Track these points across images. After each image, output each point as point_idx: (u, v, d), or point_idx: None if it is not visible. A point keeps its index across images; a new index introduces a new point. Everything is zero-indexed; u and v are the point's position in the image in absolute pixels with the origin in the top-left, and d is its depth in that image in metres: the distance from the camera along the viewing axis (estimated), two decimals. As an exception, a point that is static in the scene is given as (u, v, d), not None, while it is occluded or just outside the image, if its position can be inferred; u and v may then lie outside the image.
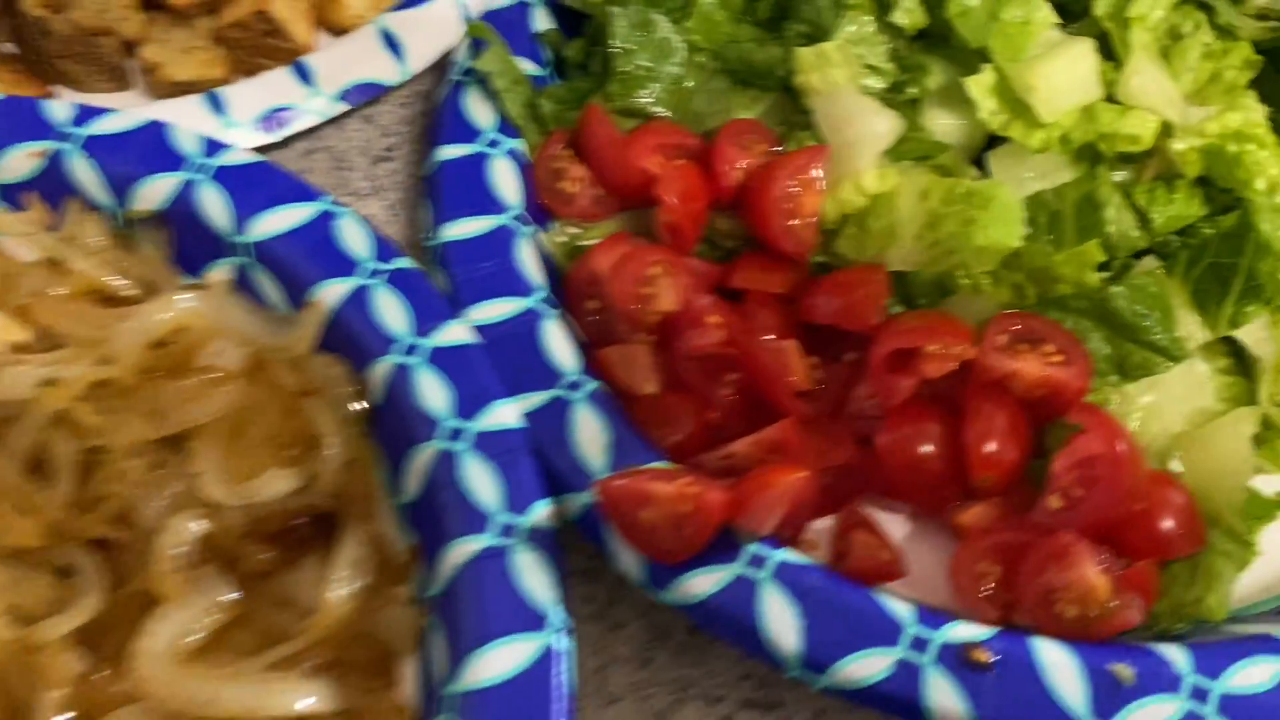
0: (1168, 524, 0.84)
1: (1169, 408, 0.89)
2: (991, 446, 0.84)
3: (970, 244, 0.86)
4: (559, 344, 0.89)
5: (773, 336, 0.92)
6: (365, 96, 1.06)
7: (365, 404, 0.88)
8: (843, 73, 0.95)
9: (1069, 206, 0.90)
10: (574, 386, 0.87)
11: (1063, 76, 0.94)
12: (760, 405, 0.89)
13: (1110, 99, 0.96)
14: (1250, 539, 0.87)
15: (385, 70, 1.07)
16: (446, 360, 0.86)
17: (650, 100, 1.02)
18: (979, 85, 0.95)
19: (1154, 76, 0.95)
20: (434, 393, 0.85)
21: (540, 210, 1.01)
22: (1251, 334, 0.89)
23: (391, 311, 0.88)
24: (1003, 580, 0.82)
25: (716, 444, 0.87)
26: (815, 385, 0.90)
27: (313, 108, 1.05)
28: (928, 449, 0.86)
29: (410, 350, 0.87)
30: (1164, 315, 0.85)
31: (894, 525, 0.89)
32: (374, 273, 0.90)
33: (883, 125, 0.94)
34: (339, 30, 1.15)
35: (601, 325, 0.94)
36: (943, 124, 0.99)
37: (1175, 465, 0.89)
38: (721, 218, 1.00)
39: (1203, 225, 0.92)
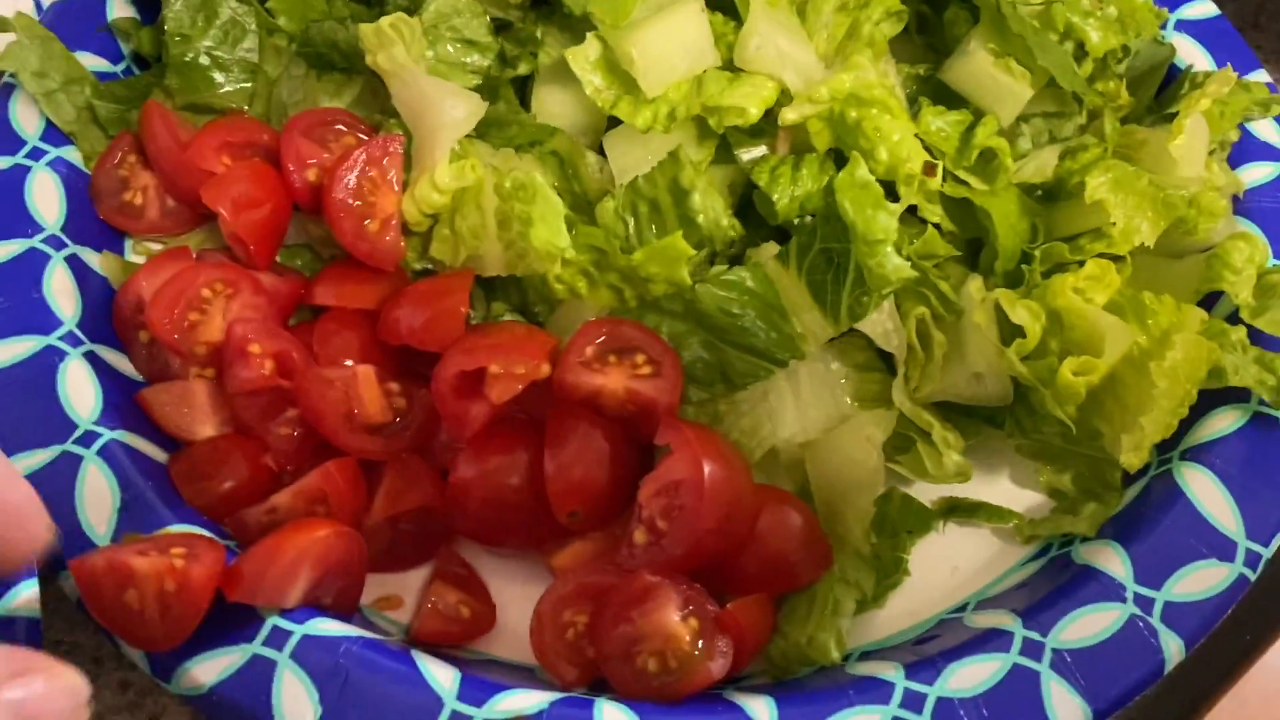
0: (780, 551, 0.73)
1: (792, 413, 0.78)
2: (572, 475, 0.73)
3: (531, 245, 0.74)
4: (78, 389, 0.76)
5: (350, 362, 0.80)
6: (-99, 107, 0.91)
7: None
8: (407, 51, 0.81)
9: (663, 195, 0.78)
10: (87, 439, 0.74)
11: (666, 43, 0.82)
12: (329, 445, 0.77)
13: (731, 65, 0.84)
14: (901, 554, 0.77)
15: (-73, 75, 0.92)
16: (-74, 418, 0.72)
17: (228, 92, 0.89)
18: (581, 58, 0.83)
19: (775, 37, 0.84)
20: (-93, 459, 0.71)
21: (108, 228, 0.87)
22: (876, 325, 0.78)
23: None
24: (587, 631, 0.71)
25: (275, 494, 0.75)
26: (396, 416, 0.78)
27: None
28: (511, 483, 0.75)
29: (-116, 409, 0.73)
30: (765, 313, 0.74)
31: (501, 571, 0.78)
32: None
33: (459, 110, 0.81)
34: (-92, 30, 0.99)
35: (154, 359, 0.81)
36: (557, 103, 0.87)
37: (815, 477, 0.80)
38: (314, 223, 0.87)
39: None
